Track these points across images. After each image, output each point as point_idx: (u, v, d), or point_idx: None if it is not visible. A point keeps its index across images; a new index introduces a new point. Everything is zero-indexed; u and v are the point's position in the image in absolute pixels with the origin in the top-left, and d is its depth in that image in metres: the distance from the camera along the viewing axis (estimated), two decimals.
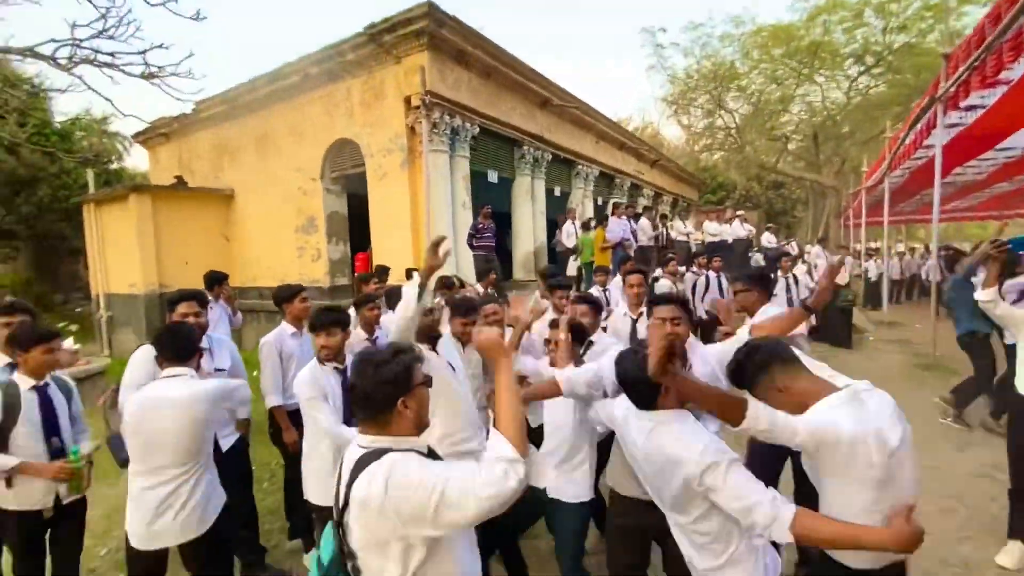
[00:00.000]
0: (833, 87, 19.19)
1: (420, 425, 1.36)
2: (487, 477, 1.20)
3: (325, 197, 9.34)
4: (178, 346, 2.17)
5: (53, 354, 2.38)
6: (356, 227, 9.75)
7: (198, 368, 2.27)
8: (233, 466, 2.78)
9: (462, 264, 8.02)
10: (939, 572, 2.70)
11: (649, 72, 32.23)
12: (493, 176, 9.53)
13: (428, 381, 1.37)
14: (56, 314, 13.66)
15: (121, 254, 10.28)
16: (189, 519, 2.08)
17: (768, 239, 12.17)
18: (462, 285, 5.42)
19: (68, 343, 2.88)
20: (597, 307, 2.87)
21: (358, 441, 1.32)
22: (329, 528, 1.35)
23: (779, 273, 6.69)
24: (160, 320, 8.17)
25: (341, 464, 1.33)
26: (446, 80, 7.96)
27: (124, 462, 2.34)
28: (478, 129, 8.70)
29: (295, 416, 2.84)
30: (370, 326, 3.48)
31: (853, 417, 1.33)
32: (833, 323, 8.05)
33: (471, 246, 7.64)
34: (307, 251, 9.65)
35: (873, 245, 16.36)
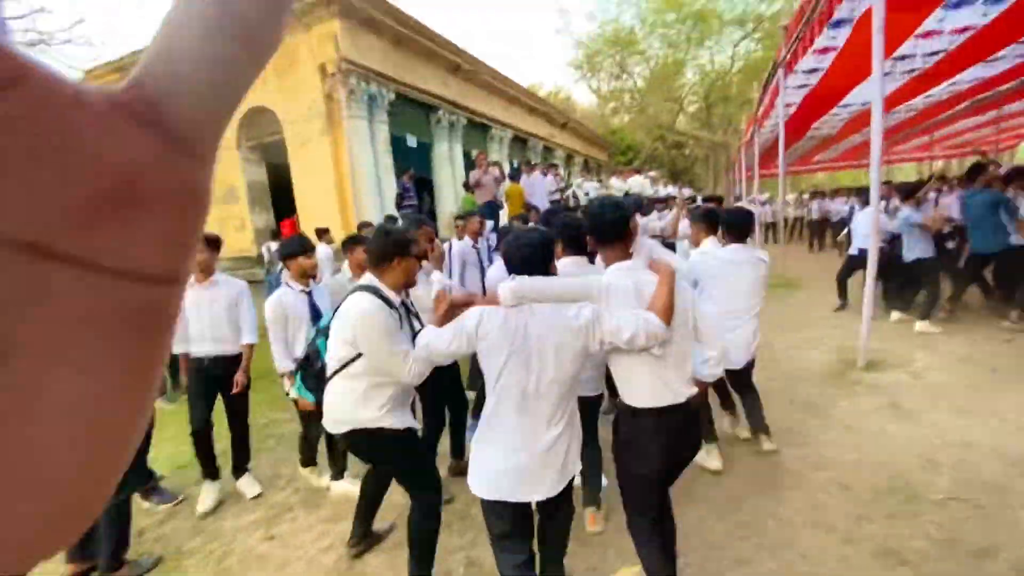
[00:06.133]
0: (719, 52, 21.24)
1: None
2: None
3: (244, 166, 9.40)
4: None
5: None
6: (276, 195, 9.90)
7: None
8: None
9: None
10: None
11: (557, 36, 33.05)
12: (412, 141, 10.01)
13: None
14: None
15: None
16: None
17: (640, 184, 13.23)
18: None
19: None
20: None
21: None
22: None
23: None
24: None
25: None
26: (359, 47, 8.28)
27: None
28: (394, 95, 9.11)
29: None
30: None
31: None
32: None
33: (398, 207, 8.20)
34: (229, 221, 9.68)
35: (759, 196, 18.61)
